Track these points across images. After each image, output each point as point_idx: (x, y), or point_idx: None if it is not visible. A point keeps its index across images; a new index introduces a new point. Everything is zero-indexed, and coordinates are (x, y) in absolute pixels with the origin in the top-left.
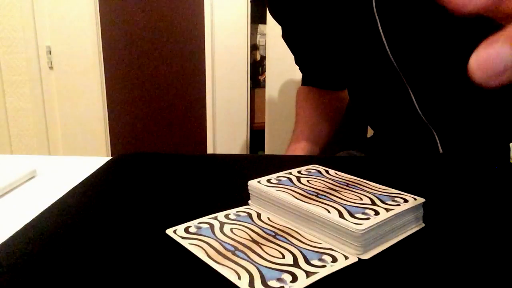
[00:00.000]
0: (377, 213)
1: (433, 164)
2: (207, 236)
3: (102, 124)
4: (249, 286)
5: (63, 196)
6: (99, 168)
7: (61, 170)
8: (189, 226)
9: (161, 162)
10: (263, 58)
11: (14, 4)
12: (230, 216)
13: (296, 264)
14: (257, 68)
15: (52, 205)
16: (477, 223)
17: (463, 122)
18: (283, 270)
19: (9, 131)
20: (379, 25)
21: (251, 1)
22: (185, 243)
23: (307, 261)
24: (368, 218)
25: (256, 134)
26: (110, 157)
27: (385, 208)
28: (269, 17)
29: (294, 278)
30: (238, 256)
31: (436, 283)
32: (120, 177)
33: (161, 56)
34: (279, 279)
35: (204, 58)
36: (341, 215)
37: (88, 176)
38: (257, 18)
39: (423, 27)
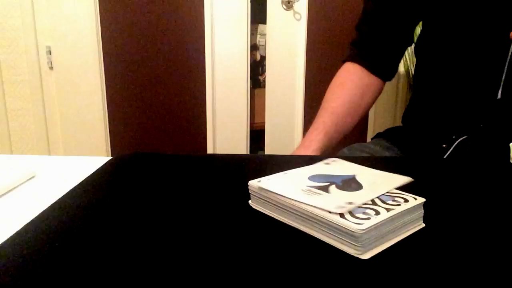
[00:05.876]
0: (377, 213)
1: (434, 165)
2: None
3: (102, 124)
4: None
5: (63, 196)
6: (99, 168)
7: (61, 170)
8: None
9: (160, 162)
10: (263, 58)
11: (14, 4)
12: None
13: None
14: (257, 68)
15: (52, 205)
16: (477, 223)
17: None
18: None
19: (9, 131)
20: None
21: (251, 1)
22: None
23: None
24: (368, 218)
25: (256, 134)
26: (110, 157)
27: (385, 208)
28: (269, 17)
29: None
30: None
31: (436, 283)
32: (120, 177)
33: (161, 56)
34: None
35: (204, 58)
36: (341, 215)
37: (88, 176)
38: (257, 18)
39: None
